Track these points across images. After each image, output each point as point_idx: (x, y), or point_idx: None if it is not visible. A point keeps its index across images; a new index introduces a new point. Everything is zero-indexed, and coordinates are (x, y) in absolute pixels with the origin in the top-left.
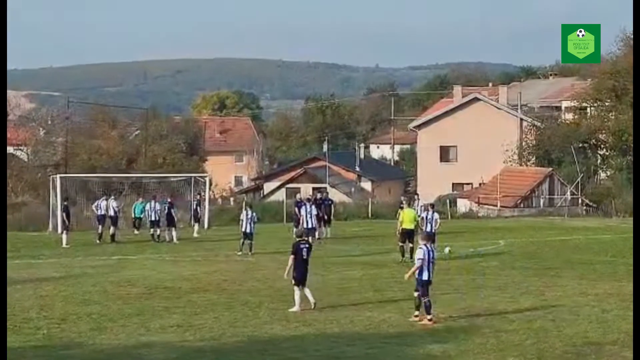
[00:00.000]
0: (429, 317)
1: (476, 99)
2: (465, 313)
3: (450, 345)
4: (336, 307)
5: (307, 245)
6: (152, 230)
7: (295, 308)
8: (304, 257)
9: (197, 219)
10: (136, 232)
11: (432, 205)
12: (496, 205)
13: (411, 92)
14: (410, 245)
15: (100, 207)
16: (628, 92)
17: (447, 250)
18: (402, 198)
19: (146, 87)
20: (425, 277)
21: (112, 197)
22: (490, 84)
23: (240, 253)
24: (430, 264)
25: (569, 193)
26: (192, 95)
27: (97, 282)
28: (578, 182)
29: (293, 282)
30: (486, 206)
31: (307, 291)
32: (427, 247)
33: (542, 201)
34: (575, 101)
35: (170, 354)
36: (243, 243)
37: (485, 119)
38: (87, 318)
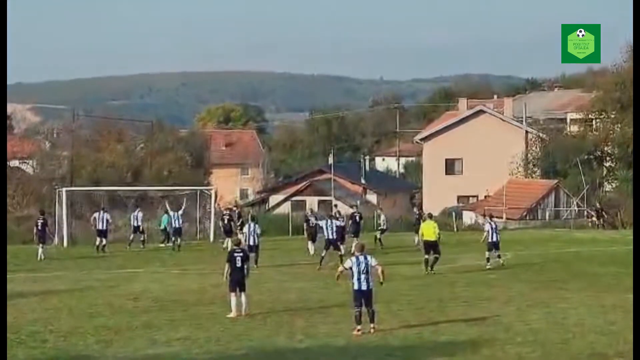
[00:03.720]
0: (358, 327)
1: (481, 112)
2: (472, 325)
3: (457, 358)
4: (341, 319)
5: (241, 254)
6: (174, 238)
7: (232, 314)
8: (238, 265)
9: (229, 233)
10: (166, 244)
11: (491, 216)
12: (502, 218)
13: (416, 105)
14: (436, 256)
15: (99, 220)
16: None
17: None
18: (416, 210)
19: (151, 99)
20: (355, 287)
21: (104, 210)
22: (496, 96)
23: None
24: (362, 274)
25: (574, 205)
26: (196, 108)
27: (103, 295)
28: (584, 194)
29: (229, 288)
30: (492, 219)
31: (242, 298)
32: (358, 258)
33: (547, 213)
34: (580, 113)
35: None
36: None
37: (491, 131)
38: (93, 331)
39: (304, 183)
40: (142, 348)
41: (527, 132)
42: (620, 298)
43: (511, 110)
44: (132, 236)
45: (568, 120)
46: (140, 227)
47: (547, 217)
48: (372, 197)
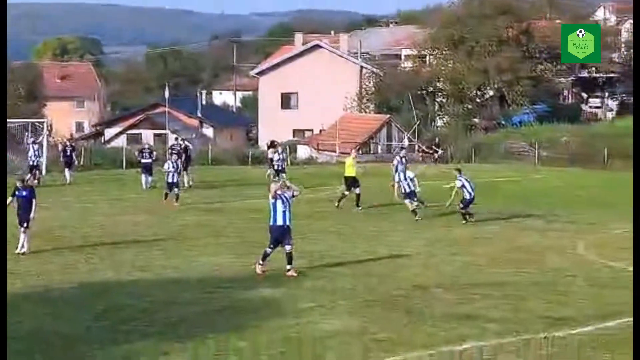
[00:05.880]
0: (287, 267)
1: (317, 47)
2: (298, 258)
3: (283, 289)
4: (174, 253)
5: (24, 193)
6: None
7: (19, 249)
8: (21, 204)
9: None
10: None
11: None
12: (335, 152)
13: (255, 39)
14: (357, 192)
15: None
16: (465, 40)
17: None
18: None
19: None
20: (270, 222)
21: None
22: (333, 32)
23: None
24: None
25: (406, 140)
26: (34, 41)
27: None
28: (415, 129)
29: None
30: (325, 152)
31: (23, 236)
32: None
33: (379, 147)
34: (414, 49)
35: None
36: (168, 194)
37: (326, 66)
38: None
39: (140, 116)
40: None
41: (361, 67)
42: (443, 232)
43: (347, 46)
44: None
45: (402, 57)
46: None
47: (379, 151)
48: (208, 131)
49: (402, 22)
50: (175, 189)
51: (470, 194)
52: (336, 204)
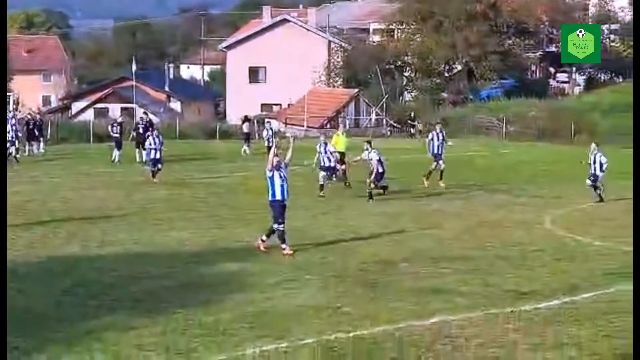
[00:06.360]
0: (282, 245)
1: (285, 20)
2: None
3: (248, 264)
4: (141, 227)
5: None
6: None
7: None
8: None
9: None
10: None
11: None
12: (303, 126)
13: (223, 13)
14: (343, 167)
15: None
16: (433, 15)
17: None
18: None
19: None
20: (269, 197)
21: None
22: (301, 6)
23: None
24: (285, 183)
25: (374, 114)
26: None
27: None
28: (383, 103)
29: None
30: (293, 127)
31: None
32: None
33: (347, 122)
34: (382, 23)
35: None
36: (155, 171)
37: (294, 40)
38: None
39: (107, 90)
40: None
41: (330, 41)
42: (409, 205)
43: (315, 20)
44: None
45: (371, 31)
46: None
47: (347, 126)
48: (175, 105)
49: None
50: (159, 165)
51: (383, 167)
52: (345, 183)
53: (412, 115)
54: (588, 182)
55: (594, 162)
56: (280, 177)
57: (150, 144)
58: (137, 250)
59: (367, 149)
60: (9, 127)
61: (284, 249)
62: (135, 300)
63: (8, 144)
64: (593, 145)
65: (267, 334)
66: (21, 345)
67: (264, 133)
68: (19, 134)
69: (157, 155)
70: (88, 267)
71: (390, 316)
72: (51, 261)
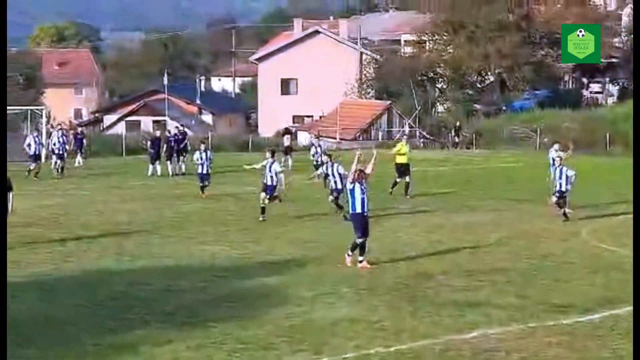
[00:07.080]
0: (360, 258)
1: (317, 32)
2: (297, 246)
3: (285, 277)
4: (173, 241)
5: None
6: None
7: None
8: None
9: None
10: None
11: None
12: (335, 138)
13: (251, 25)
14: (407, 180)
15: None
16: (465, 26)
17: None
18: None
19: None
20: (350, 209)
21: None
22: (332, 18)
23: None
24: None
25: (407, 126)
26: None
27: None
28: (416, 115)
29: None
30: (325, 139)
31: None
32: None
33: (380, 134)
34: (414, 35)
35: None
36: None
37: (326, 52)
38: None
39: (138, 103)
40: None
41: (361, 53)
42: (446, 218)
43: (346, 31)
44: None
45: (402, 42)
46: None
47: (379, 138)
48: (207, 118)
49: (401, 6)
50: (205, 182)
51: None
52: (389, 191)
53: (458, 124)
54: (553, 198)
55: (559, 177)
56: (361, 190)
57: (197, 159)
58: (170, 264)
59: (327, 162)
60: (55, 140)
61: (361, 261)
62: (169, 314)
63: (54, 157)
64: (556, 146)
65: (306, 348)
66: (55, 358)
67: (312, 150)
68: (67, 147)
69: (204, 171)
70: (121, 281)
71: (428, 330)
72: (85, 274)
